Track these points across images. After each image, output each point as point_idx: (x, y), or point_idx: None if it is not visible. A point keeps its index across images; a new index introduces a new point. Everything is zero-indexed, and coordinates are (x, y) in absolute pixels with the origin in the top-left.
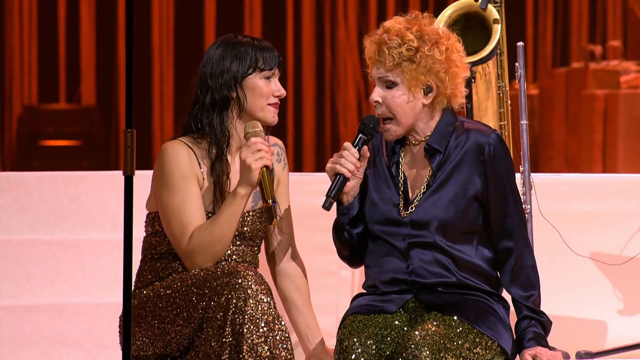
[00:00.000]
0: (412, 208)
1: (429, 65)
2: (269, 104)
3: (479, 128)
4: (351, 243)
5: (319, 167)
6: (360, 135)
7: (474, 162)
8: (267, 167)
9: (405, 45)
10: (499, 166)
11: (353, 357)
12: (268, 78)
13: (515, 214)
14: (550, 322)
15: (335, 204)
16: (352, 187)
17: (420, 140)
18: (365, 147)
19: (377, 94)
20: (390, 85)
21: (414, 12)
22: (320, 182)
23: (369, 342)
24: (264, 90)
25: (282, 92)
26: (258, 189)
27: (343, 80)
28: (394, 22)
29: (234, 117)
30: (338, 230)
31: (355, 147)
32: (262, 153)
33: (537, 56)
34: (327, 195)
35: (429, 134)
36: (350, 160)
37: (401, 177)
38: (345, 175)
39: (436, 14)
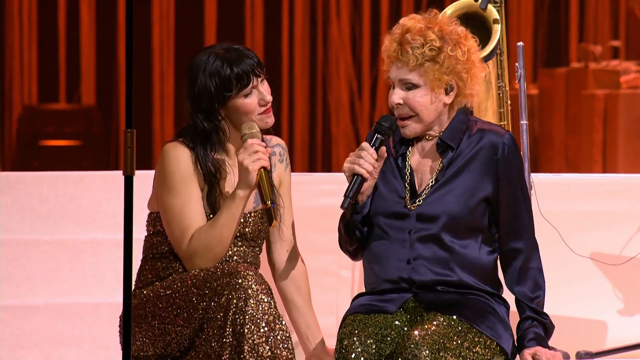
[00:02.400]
0: (419, 201)
1: (452, 66)
2: (258, 114)
3: (493, 128)
4: (360, 240)
5: (311, 167)
6: (377, 135)
7: (487, 161)
8: (265, 168)
9: (428, 45)
10: (512, 167)
11: (353, 356)
12: (249, 94)
13: (525, 215)
14: (553, 326)
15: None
16: (369, 186)
17: (434, 136)
18: (383, 148)
19: (398, 95)
20: (411, 86)
21: (433, 11)
22: (320, 182)
23: (368, 341)
24: (248, 108)
25: (267, 99)
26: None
27: (335, 79)
28: (414, 21)
29: (229, 133)
30: (350, 228)
31: (372, 146)
32: (259, 154)
33: (537, 56)
34: (346, 196)
35: (441, 129)
36: (368, 160)
37: (408, 170)
38: (364, 175)
39: None
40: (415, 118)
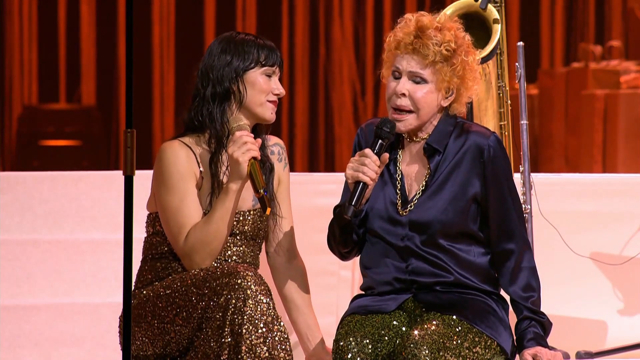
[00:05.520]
0: (410, 207)
1: (462, 71)
2: (268, 101)
3: (479, 130)
4: (355, 241)
5: (312, 167)
6: (379, 140)
7: (473, 163)
8: (255, 158)
9: (445, 45)
10: (498, 168)
11: (349, 356)
12: (269, 75)
13: (514, 216)
14: (551, 324)
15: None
16: (369, 191)
17: (422, 137)
18: (385, 154)
19: (404, 86)
20: (419, 81)
21: (445, 14)
22: (320, 182)
23: (365, 341)
24: (264, 87)
25: (282, 91)
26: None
27: (338, 79)
28: (430, 19)
29: (233, 111)
30: (347, 230)
31: (374, 152)
32: (248, 145)
33: (537, 56)
34: (350, 204)
35: (429, 132)
36: (372, 168)
37: (398, 175)
38: (368, 183)
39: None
40: (414, 114)
